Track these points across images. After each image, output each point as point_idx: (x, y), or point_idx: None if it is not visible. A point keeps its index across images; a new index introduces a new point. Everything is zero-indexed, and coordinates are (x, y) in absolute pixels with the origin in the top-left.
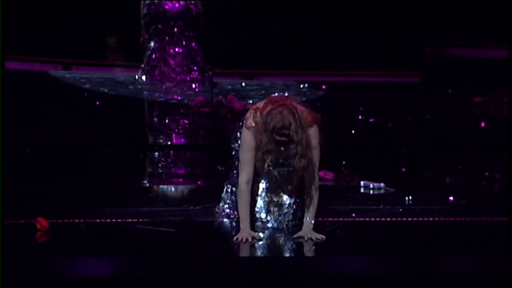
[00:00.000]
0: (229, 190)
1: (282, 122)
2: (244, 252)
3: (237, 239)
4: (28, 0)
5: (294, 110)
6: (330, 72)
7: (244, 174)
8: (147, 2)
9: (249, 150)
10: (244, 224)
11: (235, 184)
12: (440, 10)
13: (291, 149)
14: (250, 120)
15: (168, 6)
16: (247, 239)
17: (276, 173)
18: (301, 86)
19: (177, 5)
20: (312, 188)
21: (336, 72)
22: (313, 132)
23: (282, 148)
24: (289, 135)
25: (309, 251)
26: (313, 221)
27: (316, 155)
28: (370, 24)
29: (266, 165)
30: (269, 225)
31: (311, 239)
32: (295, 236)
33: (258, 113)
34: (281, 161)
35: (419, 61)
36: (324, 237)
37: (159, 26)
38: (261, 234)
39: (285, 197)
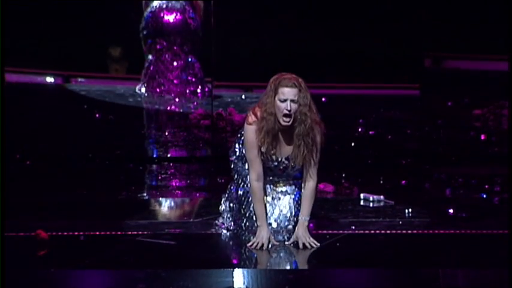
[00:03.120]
0: (227, 206)
1: (287, 75)
2: (243, 264)
3: (252, 244)
4: (28, 13)
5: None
6: (329, 85)
7: (253, 172)
8: (145, 15)
9: (253, 147)
10: (261, 222)
11: (233, 200)
12: (440, 23)
13: (296, 103)
14: (251, 117)
15: (166, 20)
16: (262, 245)
17: (276, 163)
18: None
19: (175, 19)
20: (310, 183)
21: (335, 84)
22: (317, 130)
23: (289, 104)
24: (295, 84)
25: (308, 263)
26: (308, 218)
27: (317, 154)
28: (369, 36)
29: (273, 125)
30: (269, 221)
31: (305, 245)
32: (289, 241)
33: (257, 108)
34: (282, 159)
35: (419, 73)
36: (317, 244)
37: (157, 40)
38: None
39: (286, 195)
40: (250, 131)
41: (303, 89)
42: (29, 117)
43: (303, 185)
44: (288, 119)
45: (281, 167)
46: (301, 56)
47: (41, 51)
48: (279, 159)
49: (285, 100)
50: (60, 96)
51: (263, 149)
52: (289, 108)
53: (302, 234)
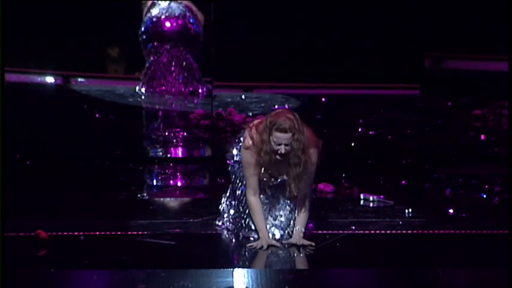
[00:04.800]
0: (227, 206)
1: (282, 118)
2: (243, 264)
3: (252, 245)
4: (26, 12)
5: (295, 114)
6: (329, 85)
7: (250, 187)
8: (144, 20)
9: (250, 167)
10: (263, 232)
11: (234, 198)
12: (440, 23)
13: (291, 146)
14: (247, 140)
15: (166, 26)
16: (262, 246)
17: (272, 184)
18: (301, 98)
19: (174, 24)
20: (305, 199)
21: (335, 84)
22: (313, 153)
23: (283, 148)
24: (289, 129)
25: (308, 263)
26: (303, 230)
27: (311, 174)
28: (369, 36)
29: (269, 161)
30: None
31: (303, 245)
32: (286, 241)
33: (254, 130)
34: (278, 180)
35: (419, 74)
36: (313, 244)
37: (156, 44)
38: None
39: (283, 204)
40: (247, 154)
41: (296, 131)
42: (29, 117)
43: (297, 201)
44: (282, 158)
45: (278, 184)
46: (301, 56)
47: (41, 51)
48: (278, 179)
49: (279, 144)
50: (60, 96)
51: (261, 175)
52: (283, 152)
53: (298, 241)
